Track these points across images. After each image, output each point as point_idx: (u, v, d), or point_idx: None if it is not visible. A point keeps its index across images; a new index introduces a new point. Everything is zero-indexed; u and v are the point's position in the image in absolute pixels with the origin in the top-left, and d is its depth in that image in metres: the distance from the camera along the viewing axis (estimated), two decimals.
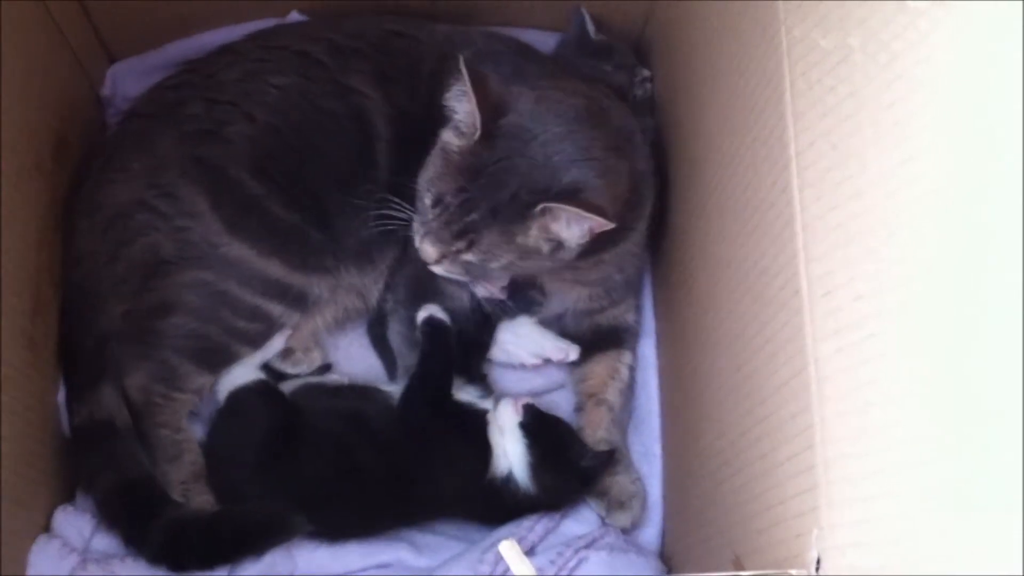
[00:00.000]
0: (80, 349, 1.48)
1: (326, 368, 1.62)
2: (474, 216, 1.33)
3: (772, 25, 1.07)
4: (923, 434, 0.78)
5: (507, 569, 1.38)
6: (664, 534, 1.57)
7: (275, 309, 1.49)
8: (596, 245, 1.38)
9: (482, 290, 1.47)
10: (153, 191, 1.46)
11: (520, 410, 1.48)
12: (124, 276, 1.46)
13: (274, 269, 1.47)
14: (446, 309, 1.53)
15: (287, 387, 1.55)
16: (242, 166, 1.46)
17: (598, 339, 1.63)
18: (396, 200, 1.44)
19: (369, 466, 1.45)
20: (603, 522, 1.52)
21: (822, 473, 0.93)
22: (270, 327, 1.51)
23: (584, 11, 1.71)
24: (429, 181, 1.37)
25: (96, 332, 1.48)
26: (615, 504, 1.52)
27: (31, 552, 1.38)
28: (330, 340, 1.65)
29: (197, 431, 1.54)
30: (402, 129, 1.52)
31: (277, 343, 1.55)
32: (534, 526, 1.46)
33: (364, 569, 1.47)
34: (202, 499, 1.47)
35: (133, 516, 1.42)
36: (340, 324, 1.62)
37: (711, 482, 1.31)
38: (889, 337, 0.84)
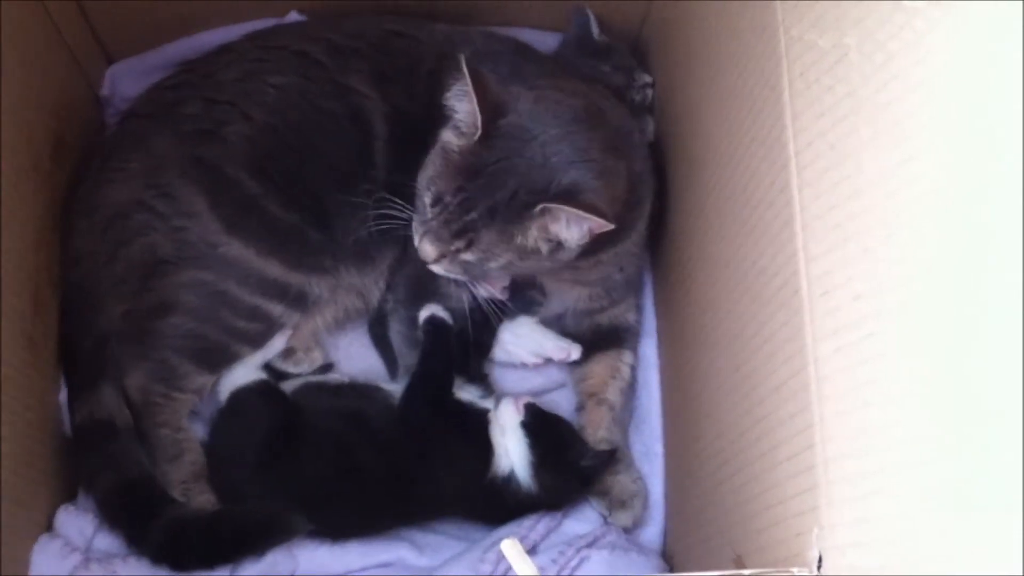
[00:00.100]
0: (79, 349, 1.48)
1: (327, 368, 1.62)
2: (473, 215, 1.33)
3: (770, 25, 1.07)
4: (923, 434, 0.78)
5: (509, 568, 1.38)
6: (665, 533, 1.57)
7: (275, 309, 1.49)
8: (595, 245, 1.38)
9: (483, 291, 1.47)
10: (151, 191, 1.46)
11: (521, 409, 1.48)
12: (123, 276, 1.47)
13: (273, 269, 1.47)
14: (447, 309, 1.53)
15: (288, 386, 1.55)
16: (240, 166, 1.46)
17: (599, 339, 1.63)
18: (395, 200, 1.44)
19: (370, 465, 1.45)
20: (605, 521, 1.53)
21: (822, 472, 0.93)
22: (270, 327, 1.51)
23: (589, 11, 1.71)
24: (429, 180, 1.37)
25: (95, 332, 1.48)
26: (617, 503, 1.53)
27: (33, 551, 1.38)
28: (331, 340, 1.65)
29: (198, 431, 1.54)
30: (401, 128, 1.52)
31: (278, 343, 1.55)
32: (536, 525, 1.46)
33: (365, 568, 1.47)
34: (203, 499, 1.47)
35: (134, 516, 1.42)
36: (341, 324, 1.62)
37: (712, 481, 1.31)
38: (888, 337, 0.84)
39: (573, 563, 1.42)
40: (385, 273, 1.59)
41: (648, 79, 1.69)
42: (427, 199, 1.37)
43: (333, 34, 1.56)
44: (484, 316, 1.50)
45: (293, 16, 1.67)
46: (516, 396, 1.52)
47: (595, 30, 1.71)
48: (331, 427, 1.47)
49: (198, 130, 1.48)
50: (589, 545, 1.44)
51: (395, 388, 1.54)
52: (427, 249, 1.38)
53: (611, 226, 1.32)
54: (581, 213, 1.30)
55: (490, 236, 1.35)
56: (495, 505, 1.48)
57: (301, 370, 1.59)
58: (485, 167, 1.33)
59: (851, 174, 0.90)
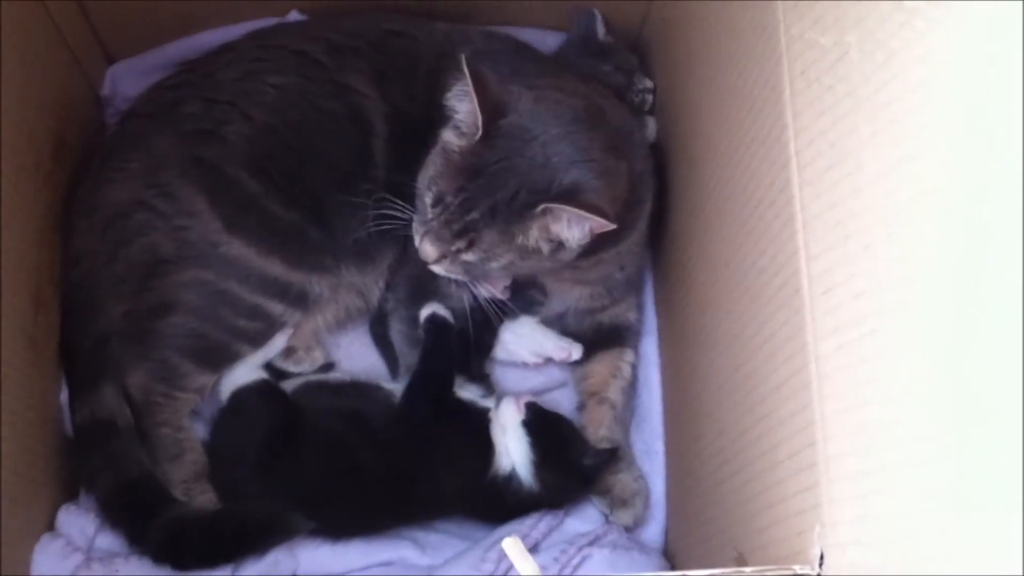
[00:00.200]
0: (79, 349, 1.49)
1: (328, 367, 1.62)
2: (474, 216, 1.33)
3: (771, 24, 1.06)
4: (923, 433, 0.78)
5: (510, 567, 1.38)
6: (667, 531, 1.57)
7: (276, 308, 1.49)
8: (596, 245, 1.38)
9: (484, 291, 1.47)
10: (152, 190, 1.46)
11: (522, 408, 1.48)
12: (123, 276, 1.47)
13: (273, 268, 1.47)
14: (447, 308, 1.53)
15: (288, 385, 1.55)
16: (240, 165, 1.46)
17: (600, 337, 1.63)
18: (395, 200, 1.44)
19: (370, 465, 1.45)
20: (606, 520, 1.53)
21: (823, 470, 0.93)
22: (271, 326, 1.51)
23: (596, 12, 1.71)
24: (430, 180, 1.37)
25: (94, 332, 1.48)
26: (618, 502, 1.53)
27: (35, 551, 1.38)
28: (332, 339, 1.65)
29: (200, 430, 1.54)
30: (400, 128, 1.52)
31: (279, 342, 1.55)
32: (537, 523, 1.47)
33: (367, 567, 1.47)
34: (204, 498, 1.47)
35: (135, 515, 1.42)
36: (341, 323, 1.63)
37: (713, 480, 1.31)
38: (889, 335, 0.84)
39: (575, 562, 1.42)
40: (385, 272, 1.59)
41: (649, 84, 1.69)
42: (428, 199, 1.37)
43: (332, 33, 1.56)
44: (485, 316, 1.50)
45: (294, 15, 1.67)
46: (517, 395, 1.52)
47: (601, 30, 1.71)
48: (332, 426, 1.48)
49: (198, 130, 1.48)
50: (591, 543, 1.44)
51: (396, 387, 1.54)
52: (428, 250, 1.38)
53: (612, 226, 1.31)
54: (582, 213, 1.30)
55: (491, 236, 1.34)
56: (496, 504, 1.48)
57: (302, 369, 1.59)
58: (486, 167, 1.33)
59: (851, 172, 0.90)
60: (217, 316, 1.47)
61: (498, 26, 1.71)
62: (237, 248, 1.45)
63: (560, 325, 1.64)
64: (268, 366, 1.56)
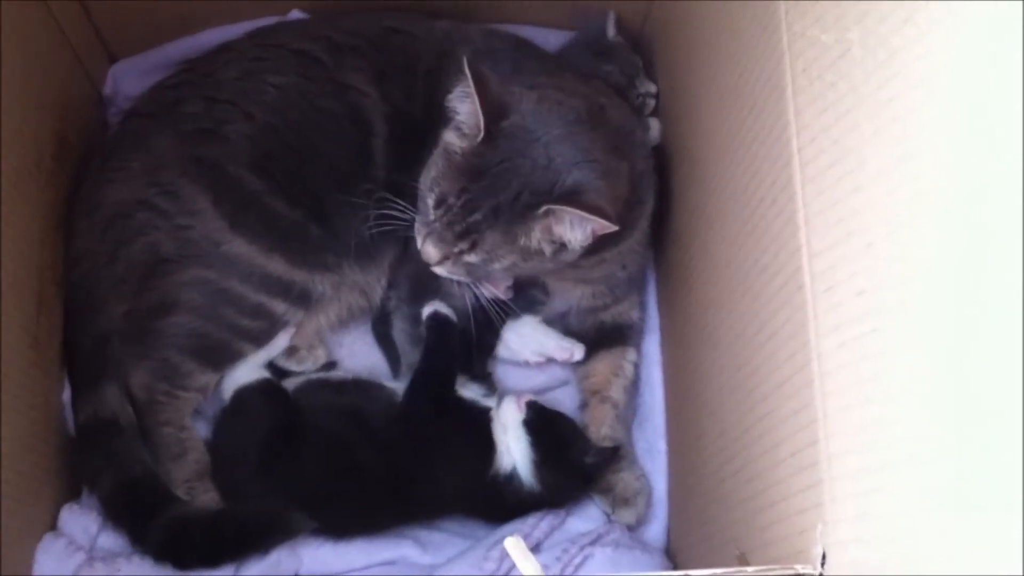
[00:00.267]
0: (80, 348, 1.49)
1: (331, 366, 1.62)
2: (477, 217, 1.33)
3: (772, 21, 1.06)
4: (923, 433, 0.78)
5: (512, 566, 1.38)
6: (669, 530, 1.57)
7: (278, 306, 1.49)
8: (599, 244, 1.37)
9: (487, 292, 1.47)
10: (153, 190, 1.46)
11: (523, 407, 1.48)
12: (124, 276, 1.47)
13: (276, 266, 1.47)
14: (450, 307, 1.53)
15: (290, 384, 1.55)
16: (241, 164, 1.46)
17: (602, 336, 1.63)
18: (396, 200, 1.43)
19: (372, 464, 1.45)
20: (608, 519, 1.53)
21: (825, 469, 0.93)
22: (273, 325, 1.51)
23: (611, 12, 1.70)
24: (432, 182, 1.36)
25: (96, 331, 1.48)
26: (620, 501, 1.53)
27: (37, 550, 1.38)
28: (334, 338, 1.65)
29: (202, 429, 1.54)
30: (400, 127, 1.52)
31: (281, 341, 1.55)
32: (539, 523, 1.47)
33: (369, 566, 1.47)
34: (206, 497, 1.47)
35: (137, 514, 1.42)
36: (344, 322, 1.62)
37: (715, 478, 1.31)
38: (890, 333, 0.84)
39: (576, 561, 1.42)
40: (387, 271, 1.58)
41: (651, 89, 1.68)
42: (430, 201, 1.36)
43: (332, 32, 1.56)
44: (487, 315, 1.50)
45: (295, 14, 1.68)
46: (519, 394, 1.52)
47: (611, 31, 1.71)
48: (334, 425, 1.47)
49: (199, 129, 1.48)
50: (592, 543, 1.44)
51: (398, 386, 1.54)
52: (430, 251, 1.38)
53: (615, 227, 1.31)
54: (585, 215, 1.29)
55: (494, 238, 1.34)
56: (497, 503, 1.48)
57: (304, 368, 1.59)
58: (488, 168, 1.32)
59: (853, 170, 0.90)
60: (219, 315, 1.47)
61: (498, 24, 1.71)
62: (239, 247, 1.45)
63: (562, 324, 1.64)
64: (270, 365, 1.56)
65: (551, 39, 1.75)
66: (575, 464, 1.47)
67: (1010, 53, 0.71)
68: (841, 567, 0.89)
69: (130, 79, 1.69)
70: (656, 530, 1.57)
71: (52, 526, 1.43)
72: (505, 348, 1.60)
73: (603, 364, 1.62)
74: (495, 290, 1.49)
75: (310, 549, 1.45)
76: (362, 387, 1.56)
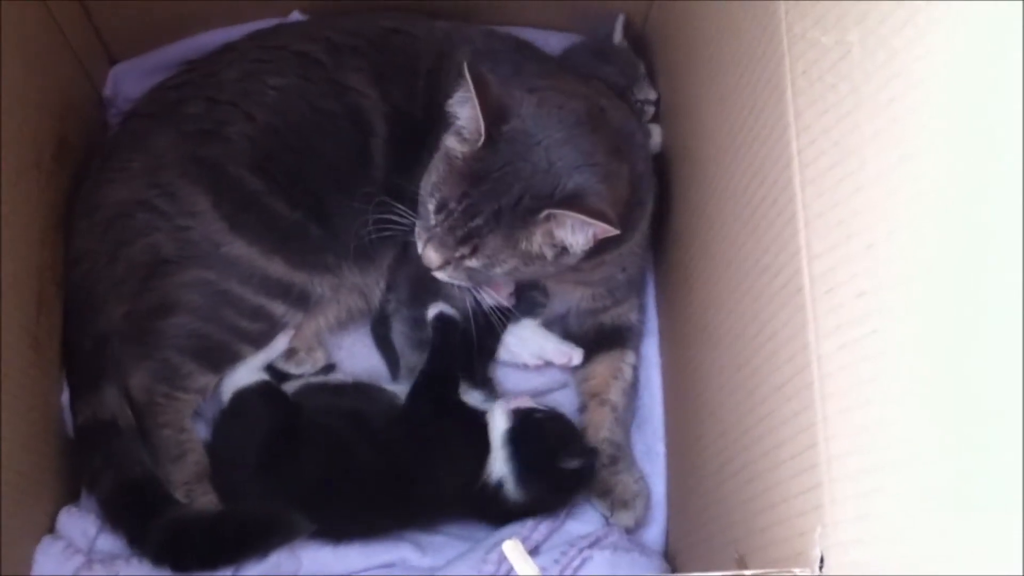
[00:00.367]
0: (80, 349, 1.49)
1: (330, 368, 1.62)
2: (478, 221, 1.32)
3: (772, 23, 1.06)
4: (923, 433, 0.78)
5: (511, 569, 1.37)
6: (668, 533, 1.57)
7: (278, 308, 1.49)
8: (598, 247, 1.37)
9: (489, 299, 1.46)
10: (154, 190, 1.46)
11: (509, 415, 1.47)
12: (124, 276, 1.47)
13: (276, 268, 1.47)
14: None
15: (290, 387, 1.55)
16: (242, 164, 1.46)
17: (601, 338, 1.63)
18: (396, 204, 1.43)
19: (372, 466, 1.45)
20: (607, 521, 1.53)
21: (825, 471, 0.93)
22: (273, 326, 1.51)
23: (621, 17, 1.71)
24: (432, 186, 1.36)
25: (95, 332, 1.48)
26: (619, 503, 1.52)
27: (36, 553, 1.38)
28: (333, 340, 1.65)
29: (201, 431, 1.54)
30: (400, 127, 1.52)
31: (281, 343, 1.54)
32: (538, 525, 1.47)
33: (368, 569, 1.47)
34: (205, 499, 1.47)
35: (136, 516, 1.42)
36: (343, 324, 1.62)
37: (714, 480, 1.31)
38: (890, 334, 0.84)
39: (575, 563, 1.42)
40: (385, 273, 1.58)
41: (651, 96, 1.67)
42: (431, 206, 1.36)
43: (332, 33, 1.56)
44: (488, 320, 1.49)
45: (295, 16, 1.68)
46: (515, 396, 1.51)
47: (618, 35, 1.71)
48: (333, 428, 1.47)
49: (200, 130, 1.48)
50: (591, 545, 1.44)
51: (398, 389, 1.54)
52: (431, 256, 1.37)
53: (617, 231, 1.31)
54: (587, 219, 1.29)
55: (495, 242, 1.34)
56: (490, 508, 1.48)
57: (303, 370, 1.59)
58: (489, 173, 1.32)
59: (853, 171, 0.90)
60: (219, 316, 1.47)
61: (498, 25, 1.71)
62: (239, 248, 1.45)
63: (561, 326, 1.64)
64: (269, 368, 1.56)
65: (551, 41, 1.75)
66: (558, 475, 1.46)
67: (1010, 53, 0.71)
68: (842, 568, 0.89)
69: (130, 80, 1.69)
70: (655, 532, 1.57)
71: (51, 528, 1.43)
72: (504, 350, 1.59)
73: (602, 366, 1.62)
74: (498, 297, 1.48)
75: (309, 551, 1.45)
76: (362, 390, 1.56)
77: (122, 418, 1.47)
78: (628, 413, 1.63)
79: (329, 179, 1.50)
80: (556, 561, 1.42)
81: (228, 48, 1.58)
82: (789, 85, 1.03)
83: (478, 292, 1.46)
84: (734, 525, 1.22)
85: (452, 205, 1.33)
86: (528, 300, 1.57)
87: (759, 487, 1.12)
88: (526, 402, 1.49)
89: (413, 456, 1.45)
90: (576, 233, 1.32)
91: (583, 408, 1.61)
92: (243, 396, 1.50)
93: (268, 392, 1.51)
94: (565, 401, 1.63)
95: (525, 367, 1.62)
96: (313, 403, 1.52)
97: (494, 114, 1.31)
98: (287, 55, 1.53)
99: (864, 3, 0.89)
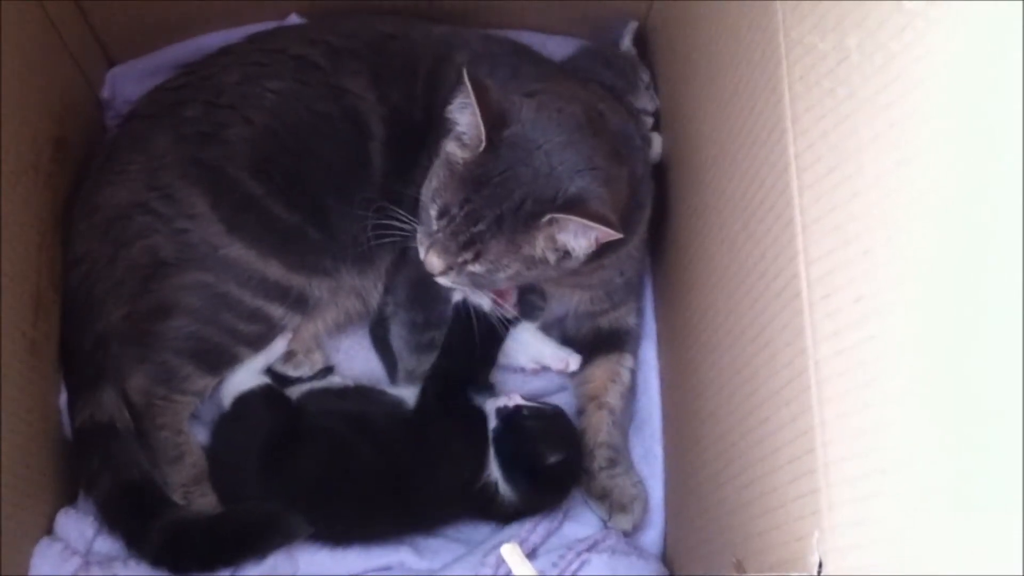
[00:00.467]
0: (78, 351, 1.49)
1: (328, 370, 1.62)
2: (480, 227, 1.32)
3: (770, 27, 1.07)
4: (923, 434, 0.78)
5: (509, 572, 1.38)
6: (666, 536, 1.57)
7: (276, 311, 1.49)
8: (598, 251, 1.37)
9: (486, 303, 1.46)
10: (153, 192, 1.46)
11: (495, 414, 1.47)
12: (123, 278, 1.47)
13: (274, 270, 1.47)
14: (447, 313, 1.53)
15: (293, 393, 1.55)
16: (241, 166, 1.46)
17: (599, 342, 1.63)
18: (395, 209, 1.43)
19: (372, 467, 1.45)
20: (605, 525, 1.53)
21: (822, 476, 0.93)
22: (271, 329, 1.51)
23: (632, 23, 1.71)
24: (434, 192, 1.36)
25: (94, 334, 1.48)
26: (617, 507, 1.53)
27: (33, 554, 1.38)
28: (331, 342, 1.65)
29: (199, 434, 1.53)
30: (398, 130, 1.52)
31: (280, 346, 1.54)
32: (535, 528, 1.47)
33: (366, 571, 1.47)
34: (203, 501, 1.47)
35: (134, 518, 1.42)
36: (341, 326, 1.62)
37: (712, 485, 1.31)
38: (889, 339, 0.84)
39: (573, 567, 1.42)
40: (383, 276, 1.58)
41: (649, 107, 1.67)
42: (432, 211, 1.35)
43: (331, 36, 1.56)
44: (491, 326, 1.49)
45: (293, 19, 1.68)
46: (505, 394, 1.51)
47: (626, 42, 1.71)
48: (335, 431, 1.47)
49: (199, 132, 1.48)
50: (589, 549, 1.44)
51: (399, 392, 1.54)
52: (434, 262, 1.37)
53: (619, 235, 1.31)
54: (589, 223, 1.29)
55: (498, 247, 1.33)
56: (490, 509, 1.48)
57: (302, 373, 1.59)
58: (490, 178, 1.32)
59: (851, 176, 0.90)
60: (217, 319, 1.47)
61: (497, 29, 1.72)
62: (237, 250, 1.45)
63: (559, 329, 1.65)
64: (270, 372, 1.56)
65: (549, 44, 1.75)
66: (543, 472, 1.46)
67: (1009, 53, 0.71)
68: (839, 571, 0.89)
69: (128, 83, 1.69)
70: (652, 536, 1.57)
71: (48, 530, 1.43)
72: (502, 354, 1.59)
73: (600, 370, 1.62)
74: (503, 302, 1.48)
75: (307, 554, 1.45)
76: (363, 393, 1.56)
77: (120, 420, 1.47)
78: (626, 416, 1.63)
79: (327, 182, 1.50)
80: (554, 564, 1.42)
81: (226, 51, 1.58)
82: (787, 89, 1.03)
83: (480, 297, 1.45)
84: (732, 529, 1.22)
85: (454, 211, 1.33)
86: (526, 303, 1.58)
87: (757, 491, 1.12)
88: (515, 400, 1.49)
89: (415, 456, 1.46)
90: (579, 237, 1.32)
91: (581, 411, 1.61)
92: (246, 399, 1.50)
93: (271, 395, 1.51)
94: (563, 404, 1.62)
95: (523, 371, 1.62)
96: (315, 406, 1.52)
97: (494, 120, 1.31)
98: (285, 58, 1.53)
99: (862, 7, 0.89)
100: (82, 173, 1.54)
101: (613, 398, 1.60)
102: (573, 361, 1.61)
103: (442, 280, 1.40)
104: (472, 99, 1.29)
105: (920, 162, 0.81)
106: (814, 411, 0.95)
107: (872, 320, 0.86)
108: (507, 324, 1.50)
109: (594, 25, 1.73)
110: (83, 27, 1.61)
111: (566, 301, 1.61)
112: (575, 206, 1.30)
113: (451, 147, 1.35)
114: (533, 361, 1.61)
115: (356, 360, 1.66)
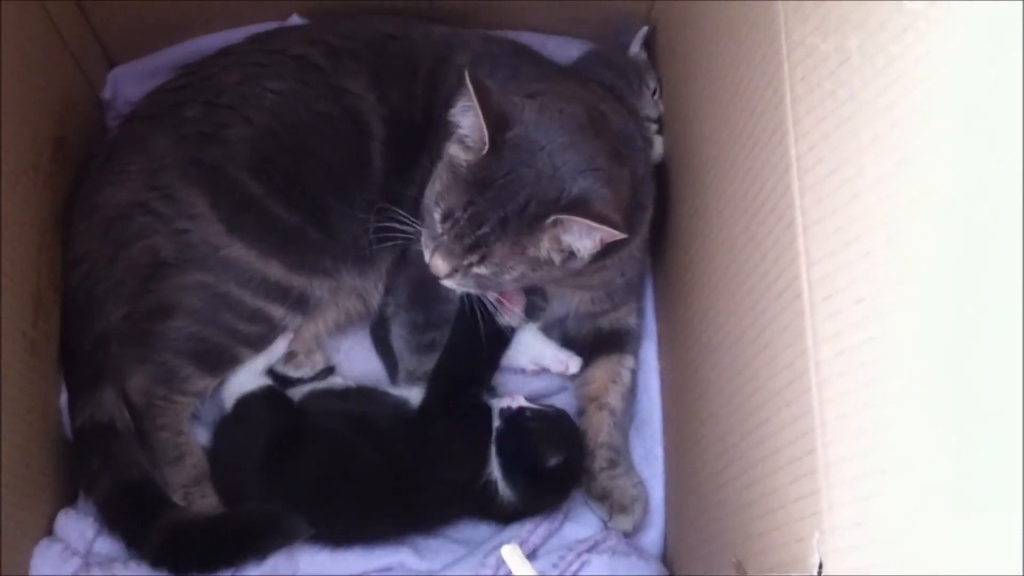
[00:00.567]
0: (79, 352, 1.49)
1: (329, 371, 1.62)
2: (485, 229, 1.31)
3: (772, 28, 1.06)
4: (923, 434, 0.78)
5: (509, 573, 1.38)
6: (666, 537, 1.57)
7: (276, 311, 1.49)
8: (600, 251, 1.37)
9: (491, 304, 1.46)
10: (153, 193, 1.46)
11: (498, 415, 1.47)
12: (123, 278, 1.47)
13: (274, 270, 1.47)
14: (448, 313, 1.53)
15: (295, 393, 1.55)
16: (241, 166, 1.46)
17: (600, 342, 1.63)
18: (396, 210, 1.43)
19: (374, 467, 1.45)
20: (605, 525, 1.53)
21: (823, 477, 0.93)
22: (271, 329, 1.51)
23: (644, 28, 1.71)
24: (437, 195, 1.35)
25: (94, 334, 1.48)
26: (617, 507, 1.52)
27: (33, 555, 1.39)
28: (332, 343, 1.65)
29: (199, 434, 1.54)
30: (398, 130, 1.52)
31: (280, 346, 1.54)
32: (536, 529, 1.47)
33: (366, 572, 1.47)
34: (203, 502, 1.48)
35: (134, 518, 1.42)
36: (342, 327, 1.62)
37: (712, 485, 1.31)
38: (889, 340, 0.84)
39: (573, 567, 1.42)
40: (384, 276, 1.58)
41: (652, 113, 1.66)
42: (437, 215, 1.35)
43: (331, 37, 1.56)
44: (497, 328, 1.49)
45: (294, 19, 1.68)
46: (509, 395, 1.51)
47: (635, 47, 1.71)
48: (337, 431, 1.47)
49: (199, 132, 1.48)
50: (589, 549, 1.44)
51: (400, 392, 1.54)
52: (439, 265, 1.36)
53: (623, 235, 1.31)
54: (593, 223, 1.29)
55: (502, 249, 1.33)
56: (490, 509, 1.48)
57: (303, 374, 1.59)
58: (494, 180, 1.31)
59: (852, 177, 0.90)
60: (218, 319, 1.47)
61: (498, 29, 1.72)
62: (237, 251, 1.45)
63: (560, 329, 1.65)
64: (272, 373, 1.56)
65: (549, 45, 1.75)
66: (544, 473, 1.46)
67: (1009, 54, 0.71)
68: (840, 572, 0.89)
69: (129, 83, 1.69)
70: (653, 537, 1.57)
71: (48, 530, 1.43)
72: None
73: (601, 371, 1.62)
74: (511, 306, 1.48)
75: (307, 555, 1.45)
76: (365, 394, 1.56)
77: (120, 420, 1.47)
78: (626, 417, 1.63)
79: (328, 182, 1.50)
80: (554, 565, 1.42)
81: (227, 52, 1.58)
82: (788, 91, 1.03)
83: (485, 298, 1.45)
84: (732, 530, 1.22)
85: (458, 214, 1.33)
86: (527, 304, 1.57)
87: (757, 492, 1.12)
88: (518, 401, 1.49)
89: (416, 456, 1.46)
90: (583, 238, 1.32)
91: (581, 412, 1.61)
92: (247, 401, 1.50)
93: (273, 396, 1.51)
94: (563, 405, 1.62)
95: (523, 371, 1.62)
96: (317, 407, 1.52)
97: (497, 122, 1.31)
98: (285, 59, 1.53)
99: (863, 8, 0.89)
100: (82, 173, 1.54)
101: (614, 399, 1.60)
102: (573, 364, 1.60)
103: (448, 283, 1.39)
104: (474, 101, 1.29)
105: (920, 163, 0.81)
106: (815, 412, 0.95)
107: (873, 321, 0.86)
108: (511, 327, 1.51)
109: (594, 25, 1.73)
110: (84, 27, 1.61)
111: (567, 301, 1.61)
112: (579, 207, 1.30)
113: (454, 149, 1.35)
114: (533, 362, 1.61)
115: (357, 361, 1.66)
